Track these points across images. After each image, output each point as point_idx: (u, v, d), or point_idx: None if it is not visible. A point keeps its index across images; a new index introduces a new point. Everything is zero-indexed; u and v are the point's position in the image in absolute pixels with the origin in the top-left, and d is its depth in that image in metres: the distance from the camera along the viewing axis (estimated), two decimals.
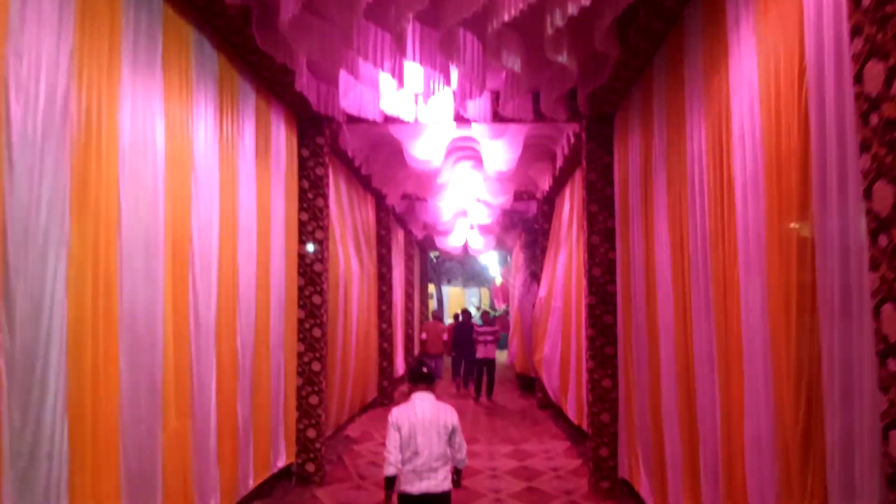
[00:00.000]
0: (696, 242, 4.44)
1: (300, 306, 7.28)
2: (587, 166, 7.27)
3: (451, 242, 18.06)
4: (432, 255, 26.69)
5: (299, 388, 7.22)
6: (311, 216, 7.35)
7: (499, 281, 30.95)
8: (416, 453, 4.06)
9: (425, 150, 8.17)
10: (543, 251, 12.56)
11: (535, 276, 13.25)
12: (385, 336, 12.93)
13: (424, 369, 4.37)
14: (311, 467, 7.17)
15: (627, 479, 6.58)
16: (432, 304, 27.64)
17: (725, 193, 3.97)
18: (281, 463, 6.75)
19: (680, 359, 4.82)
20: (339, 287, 8.98)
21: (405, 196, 12.53)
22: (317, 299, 7.29)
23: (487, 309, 26.00)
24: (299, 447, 7.19)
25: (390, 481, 4.13)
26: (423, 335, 15.46)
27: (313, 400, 7.22)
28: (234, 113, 5.57)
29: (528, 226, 13.62)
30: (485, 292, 36.27)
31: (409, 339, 17.38)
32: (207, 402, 4.90)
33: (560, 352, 10.48)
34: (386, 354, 12.90)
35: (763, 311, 3.51)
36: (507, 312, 29.41)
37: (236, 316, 5.51)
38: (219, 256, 5.17)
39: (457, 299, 34.98)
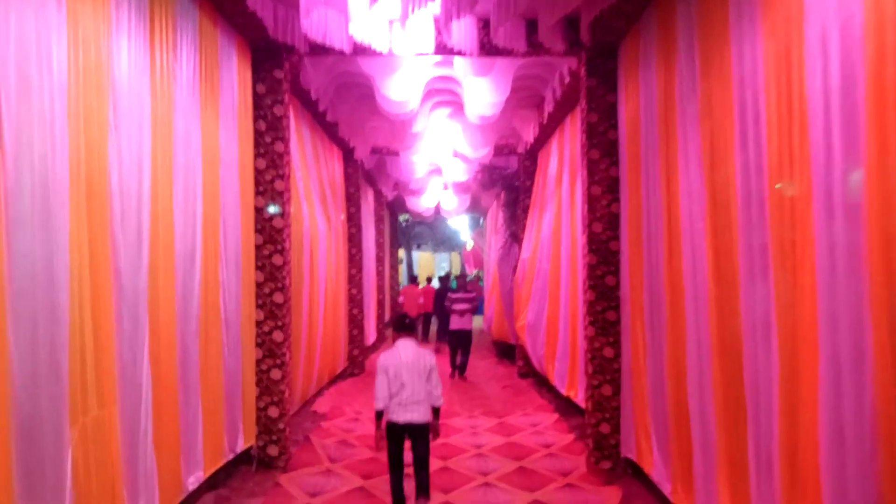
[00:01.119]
0: (748, 186, 3.59)
1: (258, 268, 6.30)
2: (587, 107, 6.36)
3: (423, 203, 17.12)
4: (402, 218, 25.74)
5: (259, 362, 6.29)
6: (269, 163, 6.33)
7: (470, 245, 30.13)
8: (401, 388, 4.81)
9: (400, 89, 7.17)
10: (525, 210, 11.71)
11: (515, 236, 12.41)
12: (355, 302, 12.01)
13: (407, 320, 5.17)
14: (273, 450, 6.29)
15: (634, 459, 5.85)
16: (402, 270, 26.77)
17: (796, 120, 3.11)
18: (239, 447, 5.85)
19: (719, 327, 4.01)
20: (303, 247, 8.00)
21: (375, 150, 11.50)
22: (277, 260, 6.32)
23: (466, 273, 25.22)
24: (260, 428, 6.29)
25: (380, 414, 4.92)
26: (402, 298, 16.92)
27: (275, 374, 6.30)
28: (170, 30, 4.51)
29: (508, 183, 12.72)
30: (455, 257, 35.51)
31: (380, 305, 16.50)
32: (139, 383, 3.95)
33: (546, 317, 9.71)
34: (356, 322, 12.00)
35: (856, 266, 2.69)
36: (478, 277, 28.75)
37: (174, 277, 4.52)
38: (151, 204, 4.17)
39: (426, 264, 34.16)
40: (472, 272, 30.03)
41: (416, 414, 4.84)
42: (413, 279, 18.25)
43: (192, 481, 4.77)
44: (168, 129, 4.45)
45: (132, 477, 3.84)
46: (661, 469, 5.17)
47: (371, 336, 14.85)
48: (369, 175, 14.14)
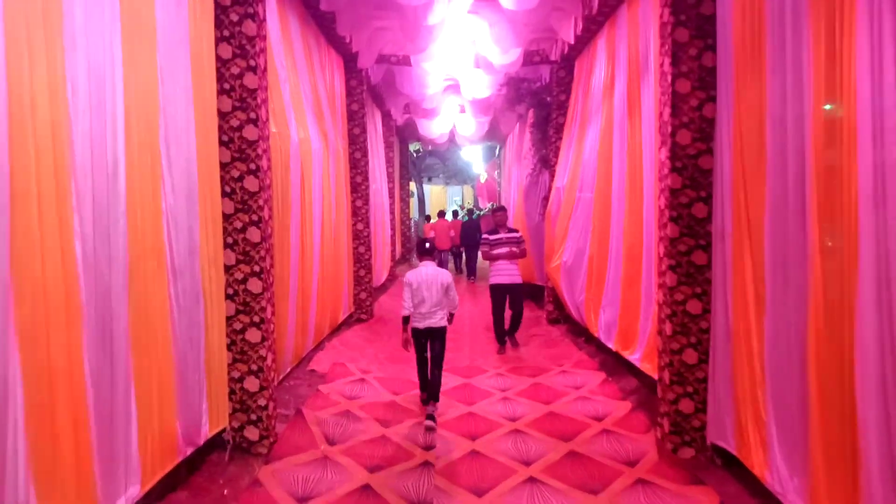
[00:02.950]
0: None
1: (226, 195, 4.70)
2: None
3: (437, 129, 15.34)
4: (412, 148, 23.90)
5: (230, 320, 4.76)
6: (237, 50, 4.63)
7: (483, 178, 28.33)
8: (422, 301, 5.86)
9: None
10: (559, 130, 9.95)
11: (545, 162, 10.68)
12: (361, 238, 10.43)
13: (427, 245, 6.20)
14: (252, 433, 4.83)
15: (731, 450, 4.36)
16: (412, 204, 25.09)
17: None
18: (203, 436, 4.40)
19: None
20: (289, 169, 6.32)
21: (382, 58, 9.70)
22: (251, 184, 4.70)
23: (495, 205, 23.98)
24: (235, 405, 4.82)
25: (406, 319, 5.91)
26: (432, 233, 17.57)
27: (253, 336, 4.78)
28: None
29: (538, 98, 10.87)
30: (468, 190, 33.74)
31: (391, 242, 14.97)
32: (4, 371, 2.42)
33: (588, 257, 8.10)
34: (363, 261, 10.45)
35: None
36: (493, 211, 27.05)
37: (72, 205, 2.92)
38: (8, 83, 2.54)
39: (438, 198, 32.52)
40: (486, 206, 28.32)
41: (434, 321, 5.90)
42: (441, 213, 19.10)
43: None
44: None
45: None
46: (787, 478, 3.65)
47: (381, 276, 13.37)
48: (376, 92, 12.33)
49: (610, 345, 7.29)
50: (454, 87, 11.84)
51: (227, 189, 4.69)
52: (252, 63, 4.64)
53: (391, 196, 15.87)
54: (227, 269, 4.73)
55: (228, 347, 4.76)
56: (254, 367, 4.80)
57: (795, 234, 3.49)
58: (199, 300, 4.35)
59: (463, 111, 14.35)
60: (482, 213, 26.36)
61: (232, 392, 4.80)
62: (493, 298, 8.50)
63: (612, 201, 7.14)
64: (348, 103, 9.96)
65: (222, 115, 4.64)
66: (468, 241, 17.20)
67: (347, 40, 8.47)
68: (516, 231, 8.64)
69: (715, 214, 4.56)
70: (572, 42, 8.24)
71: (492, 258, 8.41)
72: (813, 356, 3.33)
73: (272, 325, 4.97)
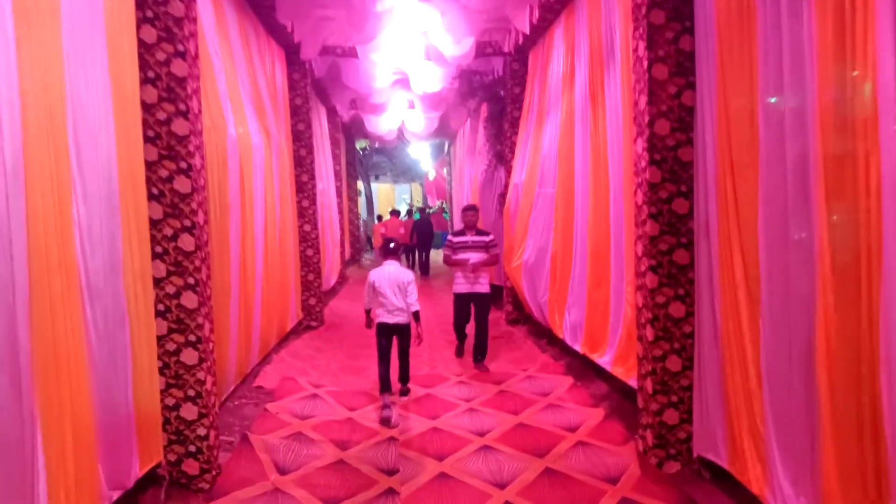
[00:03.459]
0: None
1: (152, 197, 4.11)
2: None
3: (385, 125, 14.81)
4: (359, 146, 23.27)
5: (162, 340, 4.18)
6: (162, 33, 4.04)
7: (432, 175, 27.92)
8: (385, 298, 5.99)
9: None
10: (514, 124, 9.58)
11: (501, 157, 10.29)
12: (309, 241, 9.84)
13: (392, 245, 6.33)
14: (192, 467, 4.26)
15: (722, 462, 4.03)
16: (360, 203, 24.46)
17: None
18: (134, 475, 3.81)
19: None
20: (227, 167, 5.73)
21: (327, 50, 9.13)
22: (182, 185, 4.13)
23: (444, 203, 24.13)
24: (171, 436, 4.24)
25: (368, 311, 6.25)
26: (384, 229, 17.70)
27: (189, 357, 4.21)
28: None
29: (491, 92, 10.48)
30: (416, 188, 33.30)
31: (340, 243, 14.36)
32: None
33: (551, 256, 7.75)
34: (311, 264, 9.86)
35: None
36: (442, 209, 26.81)
37: None
38: None
39: (386, 197, 31.95)
40: (435, 203, 27.91)
41: (399, 318, 6.05)
42: (394, 212, 19.46)
43: None
44: None
45: None
46: (792, 497, 3.32)
47: (331, 279, 12.77)
48: (320, 86, 11.72)
49: (577, 347, 6.96)
50: (403, 81, 11.35)
51: (155, 191, 4.10)
52: (181, 48, 4.06)
53: (339, 195, 15.26)
54: (157, 282, 4.14)
55: (161, 371, 4.17)
56: (191, 393, 4.23)
57: (797, 228, 3.16)
58: (124, 319, 3.77)
59: (412, 106, 13.86)
60: (433, 210, 26.01)
61: (167, 422, 4.22)
62: (456, 306, 7.59)
63: (576, 197, 6.79)
64: (291, 98, 9.35)
65: (147, 108, 4.05)
66: (421, 238, 17.62)
67: (289, 29, 7.90)
68: (486, 234, 7.36)
69: (697, 210, 4.23)
70: (527, 32, 7.87)
71: (451, 264, 7.38)
72: (823, 361, 3.00)
73: (211, 344, 4.40)
